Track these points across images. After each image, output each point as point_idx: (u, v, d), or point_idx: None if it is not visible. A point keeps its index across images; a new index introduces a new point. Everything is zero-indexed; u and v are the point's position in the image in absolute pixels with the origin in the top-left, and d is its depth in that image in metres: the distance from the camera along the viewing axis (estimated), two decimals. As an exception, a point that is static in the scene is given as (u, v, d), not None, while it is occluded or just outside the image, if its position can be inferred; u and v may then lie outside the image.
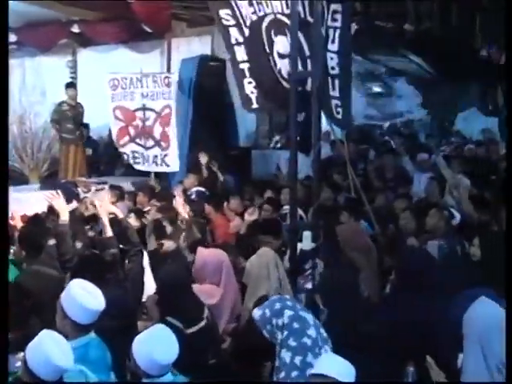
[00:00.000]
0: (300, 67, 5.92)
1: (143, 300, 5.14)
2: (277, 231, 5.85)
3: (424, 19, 9.82)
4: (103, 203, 5.39)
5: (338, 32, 6.48)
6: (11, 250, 5.43)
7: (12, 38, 10.70)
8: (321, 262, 5.44)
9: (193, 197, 8.06)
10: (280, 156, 10.49)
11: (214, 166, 9.30)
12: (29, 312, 4.01)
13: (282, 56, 6.03)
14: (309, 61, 6.02)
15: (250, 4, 6.10)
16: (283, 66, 5.96)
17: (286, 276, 5.31)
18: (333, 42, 6.49)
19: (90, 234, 6.51)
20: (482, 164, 9.74)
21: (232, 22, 5.90)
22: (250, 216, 6.75)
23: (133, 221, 6.36)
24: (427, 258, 4.61)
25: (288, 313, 3.47)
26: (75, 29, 11.46)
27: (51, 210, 6.67)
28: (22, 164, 10.73)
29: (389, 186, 8.48)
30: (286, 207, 6.72)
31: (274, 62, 6.12)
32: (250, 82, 5.95)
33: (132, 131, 9.94)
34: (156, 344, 3.27)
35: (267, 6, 6.21)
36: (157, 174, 9.96)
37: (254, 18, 6.10)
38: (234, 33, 5.92)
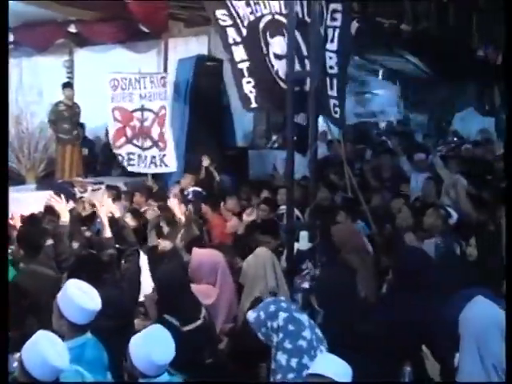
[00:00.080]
0: (298, 67, 5.93)
1: (141, 299, 5.15)
2: (275, 231, 5.85)
3: (421, 19, 9.83)
4: (104, 202, 5.39)
5: (337, 31, 6.48)
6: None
7: (9, 37, 10.68)
8: (318, 262, 5.45)
9: (189, 197, 8.05)
10: (276, 156, 10.49)
11: (211, 166, 9.30)
12: (26, 312, 4.01)
13: (279, 57, 6.03)
14: (307, 61, 6.02)
15: (248, 4, 6.10)
16: (280, 66, 5.95)
17: (283, 276, 5.31)
18: (332, 41, 6.50)
19: (87, 234, 6.50)
20: (479, 164, 9.74)
21: (229, 22, 5.90)
22: (249, 217, 6.74)
23: (129, 220, 6.36)
24: (424, 257, 4.61)
25: (283, 315, 3.46)
26: (72, 29, 11.45)
27: (48, 211, 6.67)
28: (19, 164, 10.71)
29: (386, 185, 8.49)
30: (283, 207, 6.72)
31: (271, 62, 6.12)
32: (248, 82, 5.95)
33: (129, 132, 9.92)
34: (153, 344, 3.27)
35: (265, 6, 6.21)
36: (153, 175, 9.95)
37: (252, 18, 6.10)
38: (231, 33, 5.91)
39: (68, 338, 3.51)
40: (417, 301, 4.00)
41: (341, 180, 7.87)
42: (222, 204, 7.55)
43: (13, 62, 11.56)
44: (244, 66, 5.92)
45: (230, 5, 5.93)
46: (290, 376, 3.35)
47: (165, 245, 5.72)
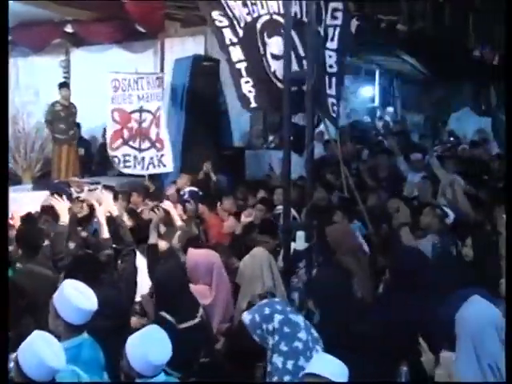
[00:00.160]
0: (296, 67, 5.92)
1: (137, 299, 5.15)
2: (274, 231, 5.86)
3: (417, 19, 9.84)
4: (104, 200, 5.38)
5: (337, 30, 6.49)
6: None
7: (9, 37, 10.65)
8: (315, 262, 5.45)
9: (186, 197, 8.04)
10: (272, 156, 10.50)
11: (208, 167, 9.30)
12: (23, 312, 4.01)
13: (276, 57, 6.02)
14: (305, 61, 6.02)
15: (244, 5, 6.09)
16: (278, 66, 5.95)
17: (280, 276, 5.32)
18: (332, 40, 6.51)
19: (83, 234, 6.50)
20: (476, 164, 9.76)
21: (225, 22, 5.90)
22: (247, 218, 6.74)
23: (126, 220, 6.35)
24: (421, 257, 4.62)
25: (278, 317, 3.45)
26: (68, 28, 11.43)
27: (44, 211, 6.67)
28: (15, 164, 10.69)
29: (382, 185, 8.49)
30: (280, 207, 6.72)
31: (268, 63, 6.12)
32: (247, 82, 5.95)
33: (126, 134, 9.88)
34: (150, 344, 3.27)
35: (262, 6, 6.20)
36: (150, 175, 9.93)
37: (249, 18, 6.10)
38: (227, 34, 5.91)
39: (64, 338, 3.50)
40: (413, 301, 4.01)
41: (337, 180, 7.88)
42: (218, 204, 7.56)
43: (9, 62, 11.55)
44: (242, 66, 5.92)
45: (225, 6, 5.93)
46: (287, 378, 3.35)
47: (161, 245, 5.72)
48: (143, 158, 9.82)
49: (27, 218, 6.53)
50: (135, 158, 9.84)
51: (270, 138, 12.29)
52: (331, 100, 6.67)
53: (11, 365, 3.23)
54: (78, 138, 10.87)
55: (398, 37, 10.16)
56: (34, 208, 7.18)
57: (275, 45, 6.02)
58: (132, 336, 3.37)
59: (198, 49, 10.83)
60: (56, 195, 5.32)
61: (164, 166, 9.79)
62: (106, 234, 5.05)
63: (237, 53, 5.91)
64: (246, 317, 3.51)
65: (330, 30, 6.54)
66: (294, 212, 6.45)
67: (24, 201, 8.24)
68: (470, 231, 5.62)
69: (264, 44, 6.13)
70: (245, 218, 6.73)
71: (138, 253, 5.42)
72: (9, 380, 3.16)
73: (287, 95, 5.60)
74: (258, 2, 6.17)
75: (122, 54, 11.52)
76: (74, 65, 12.45)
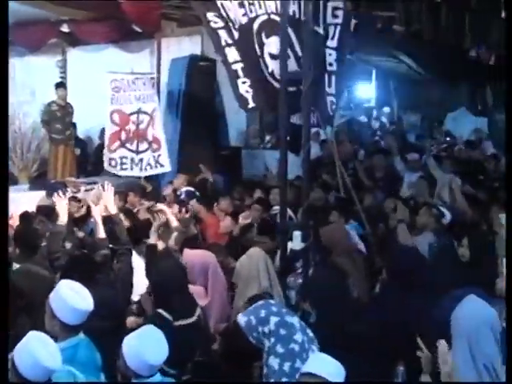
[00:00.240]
0: (296, 67, 5.92)
1: (134, 299, 5.15)
2: (272, 232, 5.86)
3: (413, 20, 9.85)
4: (105, 197, 5.37)
5: (338, 28, 6.50)
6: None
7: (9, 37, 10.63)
8: (311, 262, 5.46)
9: (182, 197, 8.04)
10: (269, 156, 10.50)
11: (204, 169, 9.29)
12: (19, 312, 4.00)
13: (274, 57, 6.02)
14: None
15: (241, 5, 6.08)
16: (276, 66, 5.94)
17: (277, 276, 5.32)
18: (332, 38, 6.52)
19: (80, 234, 6.49)
20: (473, 164, 9.78)
21: (220, 24, 5.89)
22: (244, 220, 6.73)
23: (123, 220, 6.34)
24: (418, 257, 4.63)
25: (274, 319, 3.45)
26: (65, 28, 11.40)
27: (39, 211, 6.66)
28: (12, 164, 10.66)
29: (379, 185, 8.50)
30: (276, 207, 6.72)
31: (265, 63, 6.12)
32: (244, 82, 5.95)
33: (123, 136, 9.84)
34: (146, 344, 3.27)
35: (260, 6, 6.20)
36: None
37: (245, 20, 6.09)
38: (223, 35, 5.90)
39: (61, 338, 3.50)
40: (410, 300, 4.01)
41: (334, 180, 7.89)
42: (215, 204, 7.55)
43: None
44: (238, 66, 5.92)
45: (220, 7, 5.92)
46: (283, 380, 3.35)
47: (158, 245, 5.71)
48: (141, 160, 9.78)
49: (25, 218, 6.52)
50: (132, 160, 9.79)
51: (267, 137, 12.29)
52: (330, 98, 6.68)
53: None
54: (74, 138, 10.86)
55: (395, 37, 10.18)
56: (31, 208, 7.16)
57: (273, 45, 6.02)
58: (128, 336, 3.37)
59: (195, 49, 10.82)
60: (58, 194, 5.29)
61: (162, 166, 9.77)
62: (102, 233, 5.04)
63: (233, 54, 5.91)
64: (242, 319, 3.50)
65: (331, 29, 6.55)
66: (290, 212, 6.45)
67: (21, 201, 8.21)
68: (467, 231, 5.63)
69: (262, 44, 6.13)
70: (243, 220, 6.72)
71: (133, 253, 5.42)
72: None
73: (284, 95, 5.61)
74: (256, 2, 6.18)
75: (118, 54, 11.50)
76: (70, 64, 12.42)
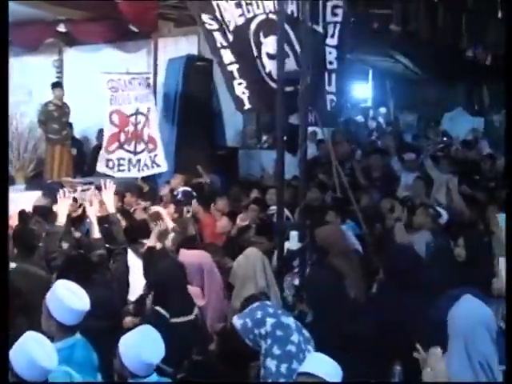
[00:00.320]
0: (295, 66, 5.91)
1: (131, 299, 5.15)
2: (270, 233, 5.86)
3: (410, 20, 9.86)
4: (104, 196, 5.37)
5: (338, 27, 6.50)
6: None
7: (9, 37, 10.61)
8: (308, 261, 5.46)
9: (179, 197, 8.04)
10: (265, 156, 10.49)
11: (201, 170, 9.29)
12: (17, 312, 3.99)
13: (273, 57, 6.01)
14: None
15: (238, 5, 6.08)
16: (274, 66, 5.93)
17: (274, 276, 5.32)
18: (332, 36, 6.51)
19: (77, 234, 6.48)
20: (468, 164, 9.79)
21: (215, 26, 5.89)
22: (242, 222, 6.73)
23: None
24: (414, 256, 4.64)
25: (270, 321, 3.44)
26: (61, 28, 11.38)
27: (36, 211, 6.65)
28: (9, 164, 10.65)
29: (376, 185, 8.51)
30: (273, 207, 6.72)
31: (263, 64, 6.11)
32: (240, 84, 5.95)
33: (123, 137, 9.81)
34: (143, 344, 3.27)
35: (258, 6, 6.19)
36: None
37: (240, 21, 6.08)
38: (218, 37, 5.91)
39: (57, 339, 3.50)
40: (407, 300, 4.02)
41: (330, 180, 7.89)
42: (212, 204, 7.55)
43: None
44: (234, 68, 5.92)
45: (216, 8, 5.91)
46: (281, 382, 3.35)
47: (152, 243, 5.72)
48: (138, 161, 9.76)
49: (23, 217, 6.51)
50: (130, 161, 9.76)
51: (264, 137, 12.28)
52: (330, 97, 6.67)
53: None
54: (71, 138, 10.84)
55: (392, 37, 10.19)
56: (28, 208, 7.15)
57: (271, 44, 6.01)
58: (125, 335, 3.37)
59: (192, 49, 10.81)
60: (61, 193, 5.29)
61: (158, 166, 9.75)
62: (97, 234, 5.05)
63: (228, 55, 5.91)
64: (237, 321, 3.49)
65: (330, 27, 6.55)
66: (287, 212, 6.45)
67: (18, 201, 8.19)
68: (463, 231, 5.64)
69: (259, 44, 6.13)
70: (240, 222, 6.71)
71: (129, 252, 5.42)
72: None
73: (281, 95, 5.61)
74: (254, 2, 6.17)
75: (115, 54, 11.49)
76: (67, 64, 12.41)
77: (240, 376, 3.64)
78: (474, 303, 3.13)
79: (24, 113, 11.11)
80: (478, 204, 7.12)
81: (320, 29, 6.52)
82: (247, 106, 6.00)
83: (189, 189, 8.33)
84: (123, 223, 6.40)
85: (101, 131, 10.38)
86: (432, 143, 11.86)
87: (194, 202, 7.46)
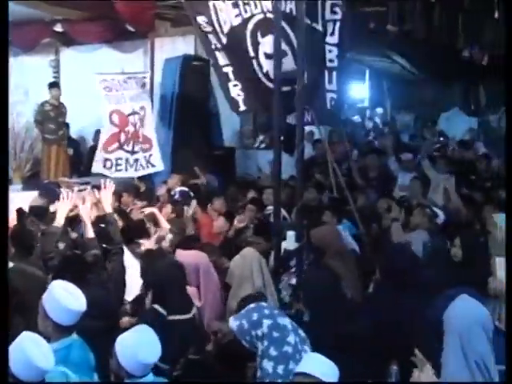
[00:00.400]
0: (294, 65, 5.91)
1: (129, 299, 5.15)
2: (268, 233, 5.86)
3: (407, 20, 9.86)
4: (102, 196, 5.37)
5: (338, 24, 6.49)
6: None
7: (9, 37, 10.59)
8: (305, 261, 5.46)
9: (176, 197, 8.04)
10: (262, 156, 10.50)
11: (198, 171, 9.28)
12: (13, 312, 3.99)
13: (270, 56, 6.01)
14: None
15: (235, 5, 6.07)
16: (271, 66, 5.93)
17: (270, 276, 5.32)
18: (332, 34, 6.50)
19: (73, 235, 6.48)
20: (465, 164, 9.81)
21: (209, 28, 5.88)
22: (240, 223, 6.73)
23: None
24: (411, 256, 4.64)
25: (267, 322, 3.44)
26: (58, 28, 11.37)
27: (32, 211, 6.63)
28: (5, 164, 10.63)
29: (372, 185, 8.52)
30: (270, 207, 6.73)
31: (260, 64, 6.11)
32: (235, 85, 5.95)
33: (123, 138, 9.79)
34: (140, 344, 3.27)
35: (255, 6, 6.18)
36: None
37: (237, 21, 6.07)
38: (212, 39, 5.91)
39: (54, 339, 3.49)
40: (403, 300, 4.02)
41: (327, 180, 7.90)
42: (209, 204, 7.55)
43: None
44: (229, 69, 5.91)
45: (212, 8, 5.90)
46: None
47: (149, 244, 5.73)
48: (136, 160, 9.75)
49: (20, 217, 6.50)
50: (127, 160, 9.75)
51: (261, 137, 12.28)
52: (331, 95, 6.66)
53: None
54: (67, 138, 10.83)
55: (388, 37, 10.18)
56: (25, 208, 7.13)
57: (269, 44, 6.00)
58: (122, 335, 3.37)
59: (188, 48, 10.80)
60: (63, 195, 5.28)
61: (153, 166, 9.74)
62: (90, 233, 5.04)
63: (223, 57, 5.90)
64: (233, 323, 3.49)
65: (330, 25, 6.54)
66: (284, 212, 6.46)
67: (15, 201, 8.18)
68: (459, 231, 5.65)
69: (256, 44, 6.12)
70: (238, 223, 6.71)
71: (126, 253, 5.42)
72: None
73: (278, 95, 5.61)
74: (252, 2, 6.16)
75: (111, 54, 11.47)
76: (63, 64, 12.39)
77: (237, 376, 3.64)
78: (470, 303, 3.13)
79: (20, 113, 11.09)
80: (475, 204, 7.14)
81: (319, 27, 6.51)
82: (242, 107, 6.01)
83: (186, 189, 8.33)
84: (120, 223, 6.40)
85: (98, 131, 10.37)
86: (429, 143, 11.87)
87: (194, 201, 7.46)
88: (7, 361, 3.00)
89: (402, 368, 3.60)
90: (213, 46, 5.91)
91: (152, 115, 9.88)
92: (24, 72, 11.84)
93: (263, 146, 11.98)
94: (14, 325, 3.81)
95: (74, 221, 6.71)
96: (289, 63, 5.95)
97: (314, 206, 7.25)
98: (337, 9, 6.55)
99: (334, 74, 6.63)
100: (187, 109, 10.08)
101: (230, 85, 5.91)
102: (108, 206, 5.37)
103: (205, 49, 6.07)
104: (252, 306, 3.63)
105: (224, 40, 5.93)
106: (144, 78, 9.84)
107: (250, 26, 6.17)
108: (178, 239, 6.03)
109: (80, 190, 8.40)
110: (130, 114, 9.71)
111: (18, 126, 10.95)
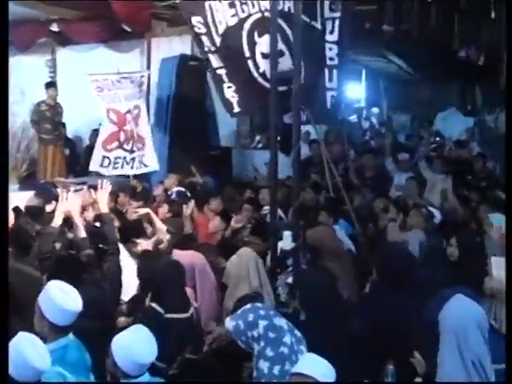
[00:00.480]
0: (291, 65, 5.90)
1: (125, 299, 5.15)
2: (265, 233, 5.86)
3: (403, 20, 9.87)
4: (98, 196, 5.37)
5: (337, 22, 6.48)
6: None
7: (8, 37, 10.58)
8: (302, 260, 5.46)
9: (173, 197, 8.03)
10: (258, 156, 10.49)
11: (194, 170, 9.27)
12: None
13: (267, 56, 5.99)
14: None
15: (232, 5, 6.06)
16: (268, 66, 5.92)
17: (267, 276, 5.32)
18: (331, 32, 6.49)
19: (70, 235, 6.47)
20: (462, 164, 9.81)
21: (203, 29, 5.87)
22: (237, 224, 6.73)
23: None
24: (407, 256, 4.65)
25: (262, 323, 3.44)
26: (54, 28, 11.35)
27: (28, 211, 6.62)
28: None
29: (369, 185, 8.52)
30: (267, 207, 6.73)
31: (256, 64, 6.10)
32: (229, 87, 5.94)
33: (122, 136, 9.77)
34: (136, 344, 3.27)
35: (253, 5, 6.17)
36: (135, 175, 9.86)
37: (233, 21, 6.06)
38: (206, 41, 5.89)
39: (50, 339, 3.49)
40: (400, 300, 4.03)
41: (323, 180, 7.90)
42: (205, 204, 7.55)
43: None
44: (223, 72, 5.91)
45: (208, 8, 5.90)
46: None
47: (147, 246, 5.73)
48: (132, 159, 9.74)
49: (18, 216, 6.49)
50: (125, 159, 9.75)
51: (257, 137, 12.28)
52: (331, 93, 6.65)
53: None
54: (64, 138, 10.82)
55: (384, 37, 10.19)
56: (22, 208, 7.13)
57: (266, 44, 5.99)
58: (118, 335, 3.36)
59: (185, 48, 10.79)
60: (62, 196, 5.27)
61: (146, 166, 9.71)
62: (82, 233, 5.04)
63: (217, 59, 5.90)
64: (230, 323, 3.49)
65: (329, 23, 6.52)
66: (280, 212, 6.45)
67: (12, 201, 8.17)
68: (455, 231, 5.66)
69: (253, 44, 6.11)
70: (235, 224, 6.71)
71: (122, 253, 5.41)
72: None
73: (274, 95, 5.60)
74: (249, 2, 6.16)
75: (108, 54, 11.46)
76: (60, 64, 12.37)
77: (233, 376, 3.64)
78: (465, 302, 3.14)
79: (17, 113, 11.08)
80: (471, 204, 7.15)
81: (318, 25, 6.50)
82: (236, 109, 6.00)
83: (183, 189, 8.33)
84: (116, 223, 6.40)
85: (95, 131, 10.35)
86: (425, 143, 11.88)
87: (192, 202, 7.45)
88: (7, 361, 3.00)
89: (398, 368, 3.60)
90: (206, 49, 5.90)
91: (146, 115, 9.87)
92: (20, 72, 11.80)
93: (260, 146, 11.97)
94: (10, 325, 3.80)
95: (70, 221, 6.71)
96: (287, 63, 5.94)
97: (310, 206, 7.25)
98: (335, 6, 6.54)
99: (335, 72, 6.61)
100: (184, 109, 10.07)
101: (225, 86, 5.91)
102: (104, 206, 5.36)
103: (200, 50, 6.06)
104: (248, 306, 3.63)
105: (218, 42, 5.92)
106: (142, 77, 9.83)
107: (247, 25, 6.16)
108: (175, 239, 6.02)
109: (76, 190, 8.41)
110: (126, 113, 9.70)
111: (14, 126, 10.94)
